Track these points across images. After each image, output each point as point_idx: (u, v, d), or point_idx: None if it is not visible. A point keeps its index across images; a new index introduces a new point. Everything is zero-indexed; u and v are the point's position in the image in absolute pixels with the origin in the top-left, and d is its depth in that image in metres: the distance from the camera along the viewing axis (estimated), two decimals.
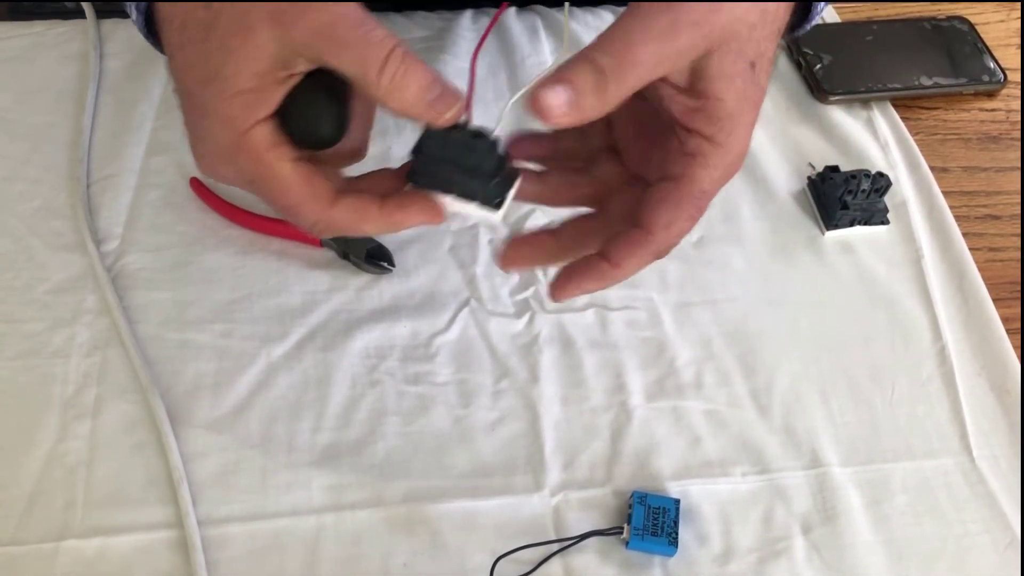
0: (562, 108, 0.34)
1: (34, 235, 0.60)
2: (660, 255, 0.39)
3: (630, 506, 0.50)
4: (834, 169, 0.64)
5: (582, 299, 0.59)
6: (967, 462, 0.54)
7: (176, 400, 0.54)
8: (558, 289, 0.41)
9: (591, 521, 0.51)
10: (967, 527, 0.52)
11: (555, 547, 0.50)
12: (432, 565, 0.49)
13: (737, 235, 0.64)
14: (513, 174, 0.39)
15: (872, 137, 0.69)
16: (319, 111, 0.38)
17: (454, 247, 0.62)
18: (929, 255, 0.63)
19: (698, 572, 0.50)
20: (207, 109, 0.38)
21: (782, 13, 0.39)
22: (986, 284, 0.61)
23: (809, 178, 0.66)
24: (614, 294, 0.60)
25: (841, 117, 0.70)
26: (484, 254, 0.61)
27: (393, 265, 0.60)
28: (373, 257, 0.60)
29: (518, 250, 0.43)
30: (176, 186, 0.63)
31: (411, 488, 0.51)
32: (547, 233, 0.43)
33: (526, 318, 0.58)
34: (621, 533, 0.50)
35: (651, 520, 0.50)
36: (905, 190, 0.66)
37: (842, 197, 0.62)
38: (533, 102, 0.34)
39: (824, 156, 0.68)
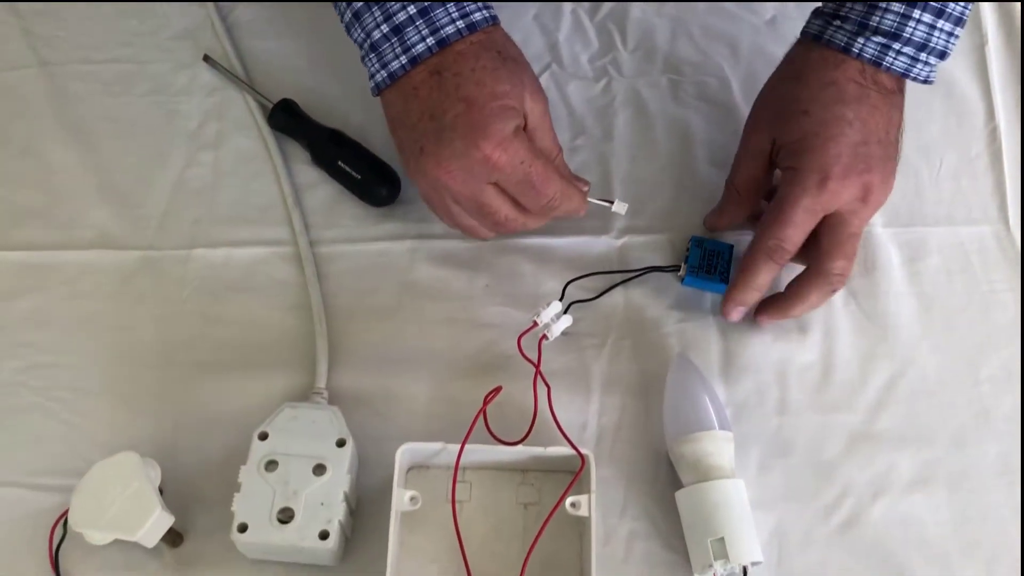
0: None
1: None
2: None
3: (688, 248, 0.56)
4: None
5: (658, 66, 0.64)
6: (1003, 230, 0.59)
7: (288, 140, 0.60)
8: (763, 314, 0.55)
9: (651, 261, 0.57)
10: (993, 286, 0.57)
11: (618, 278, 0.56)
12: (510, 287, 0.56)
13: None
14: None
15: None
16: None
17: (538, 15, 0.65)
18: (993, 43, 0.65)
19: None
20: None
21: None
22: None
23: None
24: (688, 63, 0.64)
25: None
26: (567, 22, 0.65)
27: None
28: None
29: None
30: None
31: None
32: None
33: (603, 83, 0.63)
34: (678, 271, 0.56)
35: (706, 261, 0.56)
36: None
37: None
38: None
39: None
